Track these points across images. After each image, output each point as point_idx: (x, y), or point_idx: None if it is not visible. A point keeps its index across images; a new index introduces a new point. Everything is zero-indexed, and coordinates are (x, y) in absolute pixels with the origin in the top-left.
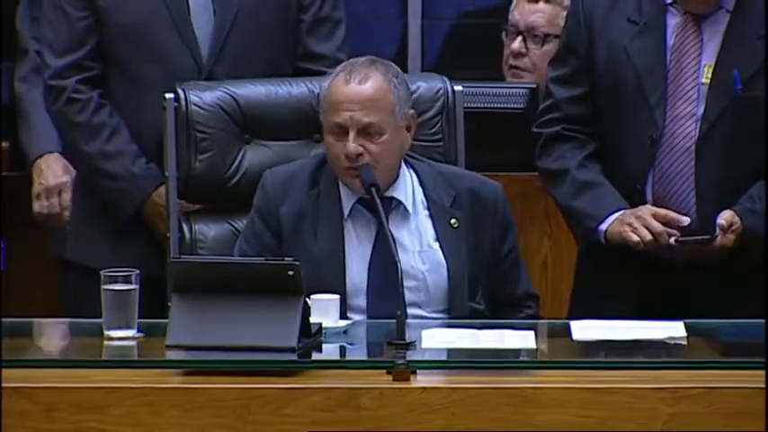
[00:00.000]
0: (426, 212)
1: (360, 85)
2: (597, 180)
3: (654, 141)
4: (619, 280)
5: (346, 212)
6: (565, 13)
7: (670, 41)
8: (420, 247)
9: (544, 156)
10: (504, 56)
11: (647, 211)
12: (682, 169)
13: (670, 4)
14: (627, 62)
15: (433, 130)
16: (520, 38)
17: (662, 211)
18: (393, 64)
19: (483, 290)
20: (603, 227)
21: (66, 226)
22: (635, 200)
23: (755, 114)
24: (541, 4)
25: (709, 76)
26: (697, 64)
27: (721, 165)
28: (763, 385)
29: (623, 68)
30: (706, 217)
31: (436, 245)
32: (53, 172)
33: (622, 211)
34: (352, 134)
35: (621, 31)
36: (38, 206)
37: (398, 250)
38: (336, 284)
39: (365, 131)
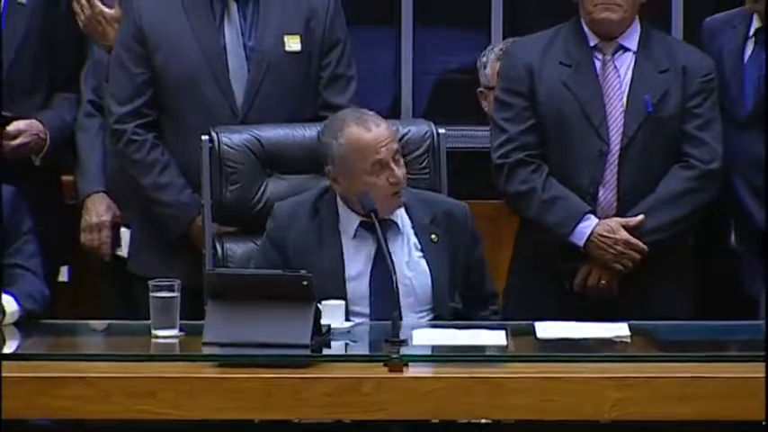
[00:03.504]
0: (412, 230)
1: (378, 127)
2: (561, 194)
3: (602, 154)
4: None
5: (351, 233)
6: None
7: (599, 77)
8: (408, 258)
9: (510, 181)
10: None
11: (620, 240)
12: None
13: (593, 47)
14: (567, 95)
15: (422, 165)
16: None
17: (626, 235)
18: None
19: (459, 291)
20: (580, 241)
21: (105, 258)
22: (590, 204)
23: (664, 130)
24: None
25: (626, 101)
26: (620, 93)
27: (639, 172)
28: (693, 375)
29: (565, 100)
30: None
31: (419, 255)
32: (96, 211)
33: (594, 226)
34: (392, 164)
35: (557, 72)
36: (83, 239)
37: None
38: (337, 296)
39: (394, 159)
